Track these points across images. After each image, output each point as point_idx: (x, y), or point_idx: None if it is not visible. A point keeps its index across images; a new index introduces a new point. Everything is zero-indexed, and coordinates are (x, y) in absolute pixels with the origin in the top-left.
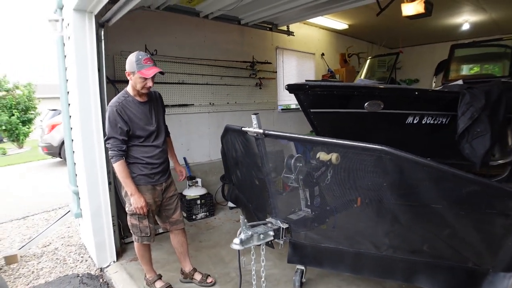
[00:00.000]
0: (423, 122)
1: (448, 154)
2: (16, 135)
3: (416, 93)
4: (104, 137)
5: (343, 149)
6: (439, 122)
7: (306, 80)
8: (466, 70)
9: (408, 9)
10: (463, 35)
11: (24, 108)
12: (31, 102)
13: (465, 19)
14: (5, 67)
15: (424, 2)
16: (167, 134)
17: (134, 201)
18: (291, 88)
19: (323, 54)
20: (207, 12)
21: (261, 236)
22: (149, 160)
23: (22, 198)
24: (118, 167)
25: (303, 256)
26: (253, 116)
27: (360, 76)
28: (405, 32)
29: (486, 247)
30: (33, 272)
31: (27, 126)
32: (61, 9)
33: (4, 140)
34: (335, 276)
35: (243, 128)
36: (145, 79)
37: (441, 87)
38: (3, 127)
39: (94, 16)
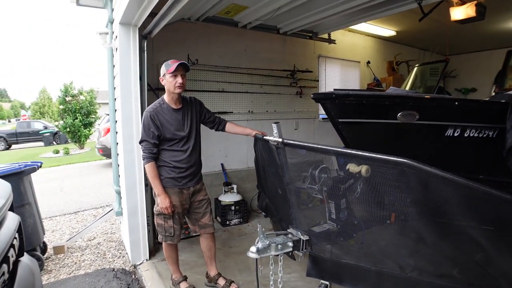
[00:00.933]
0: (466, 135)
1: (496, 170)
2: (78, 137)
3: (456, 103)
4: None
5: (363, 160)
6: (484, 136)
7: (334, 89)
8: None
9: (457, 13)
10: None
11: (86, 112)
12: (92, 107)
13: None
14: (72, 75)
15: (476, 5)
16: (223, 122)
17: (160, 201)
18: (317, 97)
19: (368, 62)
20: (245, 22)
21: (279, 246)
22: (177, 164)
23: (76, 194)
24: (148, 168)
25: (322, 270)
26: (274, 125)
27: (406, 86)
28: (459, 38)
29: None
30: (76, 263)
31: (88, 129)
32: (112, 23)
33: (68, 141)
34: None
35: (264, 137)
36: (175, 76)
37: (491, 97)
38: (68, 129)
39: (137, 29)
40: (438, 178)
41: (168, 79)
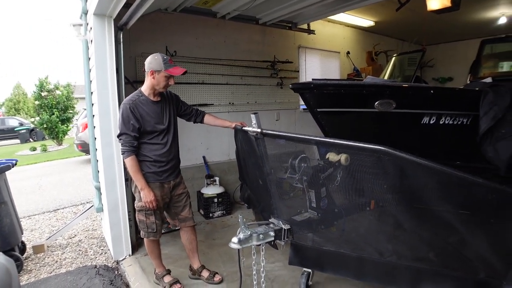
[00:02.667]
0: (441, 122)
1: (471, 157)
2: (55, 133)
3: (432, 91)
4: None
5: (341, 149)
6: (459, 123)
7: (312, 79)
8: (498, 67)
9: (433, 3)
10: (500, 30)
11: (63, 107)
12: (69, 102)
13: (502, 12)
14: (47, 69)
15: None
16: (202, 113)
17: (144, 196)
18: (296, 87)
19: (348, 53)
20: (224, 13)
21: (261, 236)
22: (157, 158)
23: (55, 191)
24: (129, 162)
25: (304, 259)
26: (252, 116)
27: (385, 75)
28: (436, 28)
29: (498, 258)
30: (56, 261)
31: (65, 125)
32: (86, 14)
33: (46, 138)
34: (345, 281)
35: (243, 128)
36: (169, 78)
37: (465, 85)
38: (44, 125)
39: (113, 20)
40: (413, 164)
41: (162, 77)
